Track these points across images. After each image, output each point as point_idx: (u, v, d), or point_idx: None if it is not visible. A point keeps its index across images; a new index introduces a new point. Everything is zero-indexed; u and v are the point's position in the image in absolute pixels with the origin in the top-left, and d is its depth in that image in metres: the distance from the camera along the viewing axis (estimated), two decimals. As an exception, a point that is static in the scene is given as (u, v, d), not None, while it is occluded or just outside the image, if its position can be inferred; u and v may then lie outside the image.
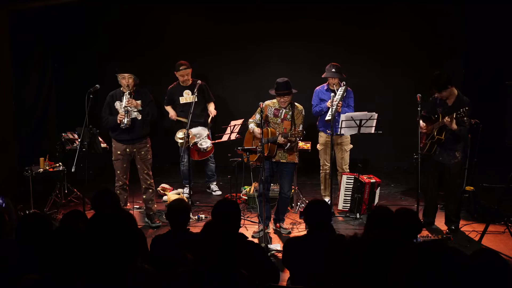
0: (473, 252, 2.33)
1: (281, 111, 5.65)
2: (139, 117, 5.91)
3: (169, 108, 7.35)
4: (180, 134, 6.92)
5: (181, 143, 6.80)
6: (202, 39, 8.72)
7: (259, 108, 5.57)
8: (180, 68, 7.06)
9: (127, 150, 5.98)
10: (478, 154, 6.83)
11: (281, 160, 5.66)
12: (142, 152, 6.04)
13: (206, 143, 6.81)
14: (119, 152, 5.98)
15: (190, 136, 6.77)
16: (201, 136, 6.89)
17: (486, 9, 8.08)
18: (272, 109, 5.69)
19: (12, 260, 3.03)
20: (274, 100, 5.70)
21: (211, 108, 7.28)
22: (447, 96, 5.60)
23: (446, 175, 5.75)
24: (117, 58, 8.68)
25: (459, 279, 2.00)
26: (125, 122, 5.82)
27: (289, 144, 5.53)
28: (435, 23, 8.52)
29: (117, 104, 5.93)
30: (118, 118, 5.83)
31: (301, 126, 5.63)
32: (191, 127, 6.84)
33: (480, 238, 5.45)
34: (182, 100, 7.15)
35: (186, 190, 7.06)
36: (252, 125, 5.77)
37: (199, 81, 6.87)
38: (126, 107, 5.83)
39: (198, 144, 6.80)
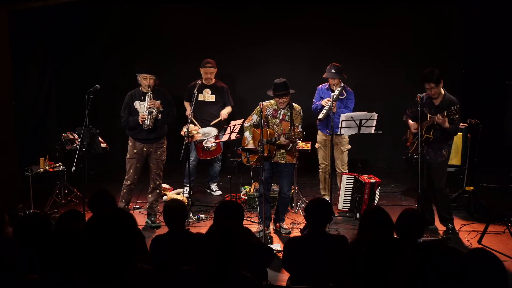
0: (467, 252, 2.32)
1: (279, 112, 5.65)
2: (159, 117, 5.91)
3: (187, 105, 7.32)
4: (185, 129, 6.87)
5: (186, 137, 6.77)
6: (202, 39, 8.72)
7: (258, 108, 5.57)
8: (206, 65, 7.10)
9: (144, 149, 5.98)
10: (478, 154, 6.83)
11: (280, 161, 5.66)
12: (158, 152, 6.05)
13: (211, 143, 6.80)
14: (135, 151, 5.97)
15: (196, 133, 6.76)
16: (209, 136, 6.89)
17: (486, 9, 8.09)
18: (271, 110, 5.68)
19: (12, 260, 3.03)
20: (272, 101, 5.70)
21: (224, 111, 7.24)
22: (438, 93, 5.58)
23: (432, 173, 5.71)
24: (117, 58, 8.70)
25: (457, 279, 2.01)
26: (148, 123, 5.81)
27: (291, 145, 5.52)
28: (435, 23, 8.52)
29: (137, 103, 5.91)
30: (140, 119, 5.81)
31: (300, 126, 5.63)
32: (205, 126, 6.92)
33: (480, 238, 5.45)
34: (200, 97, 7.14)
35: (186, 190, 7.06)
36: (247, 134, 5.78)
37: (199, 81, 6.87)
38: (149, 109, 5.82)
39: (203, 143, 6.80)
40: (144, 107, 5.87)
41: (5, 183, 6.05)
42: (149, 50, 8.81)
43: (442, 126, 5.43)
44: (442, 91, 5.59)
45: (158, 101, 5.89)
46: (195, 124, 6.99)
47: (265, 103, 5.72)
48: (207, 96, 7.17)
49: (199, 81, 6.86)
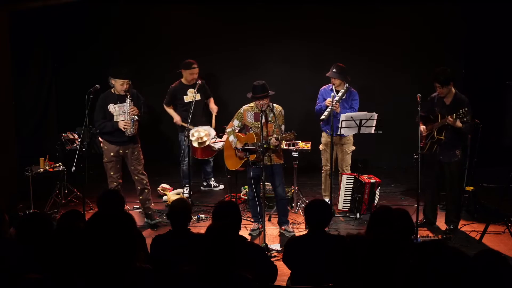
0: (476, 253, 2.32)
1: (261, 114, 5.61)
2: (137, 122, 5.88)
3: (171, 111, 7.27)
4: (197, 134, 6.82)
5: (199, 143, 6.73)
6: (202, 39, 8.72)
7: (239, 112, 5.60)
8: (192, 66, 7.10)
9: (120, 151, 5.91)
10: (478, 154, 6.83)
11: (267, 163, 5.64)
12: (135, 153, 5.98)
13: (220, 143, 6.78)
14: (112, 154, 5.88)
15: (204, 134, 6.74)
16: (211, 136, 6.88)
17: (486, 9, 8.08)
18: (252, 113, 5.67)
19: (12, 260, 3.03)
20: (252, 104, 5.69)
21: (212, 105, 7.34)
22: (446, 93, 5.59)
23: (447, 174, 5.75)
24: (117, 58, 8.69)
25: (461, 280, 2.00)
26: (132, 131, 5.77)
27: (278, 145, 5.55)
28: (435, 23, 8.52)
29: (111, 107, 5.80)
30: (123, 126, 5.73)
31: (283, 126, 5.61)
32: (196, 125, 6.87)
33: (480, 238, 5.46)
34: (187, 98, 7.13)
35: (186, 190, 7.06)
36: (231, 138, 5.77)
37: (199, 81, 6.87)
38: (132, 117, 5.76)
39: (212, 144, 6.76)
40: (123, 111, 5.76)
41: (5, 183, 6.05)
42: (149, 50, 8.82)
43: (454, 127, 5.43)
44: (453, 90, 5.61)
45: (136, 108, 5.82)
46: (185, 128, 7.02)
47: (245, 107, 5.73)
48: (192, 96, 7.07)
49: (199, 81, 6.85)
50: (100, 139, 6.82)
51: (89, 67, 8.65)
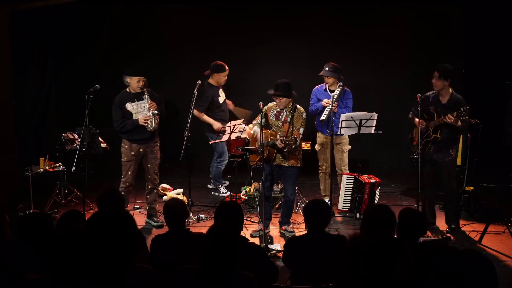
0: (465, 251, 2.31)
1: (282, 114, 5.62)
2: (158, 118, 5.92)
3: (207, 118, 7.12)
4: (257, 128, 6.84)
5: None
6: (202, 39, 8.72)
7: (264, 109, 5.58)
8: (226, 68, 7.19)
9: (141, 150, 5.95)
10: (478, 154, 6.83)
11: (282, 164, 5.63)
12: (154, 151, 6.03)
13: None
14: (133, 153, 5.92)
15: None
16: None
17: (486, 9, 8.09)
18: (274, 111, 5.66)
19: (12, 260, 3.04)
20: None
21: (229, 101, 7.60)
22: (441, 88, 5.57)
23: (442, 174, 5.73)
24: (117, 58, 8.69)
25: (456, 279, 2.00)
26: (154, 125, 5.81)
27: (286, 149, 5.48)
28: (435, 23, 8.53)
29: (129, 105, 5.85)
30: (143, 121, 5.77)
31: (301, 129, 5.58)
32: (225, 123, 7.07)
33: (480, 238, 5.46)
34: (221, 99, 7.24)
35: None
36: (256, 128, 5.78)
37: (199, 81, 6.87)
38: (152, 111, 5.79)
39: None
40: (141, 109, 5.82)
41: (5, 183, 6.05)
42: (149, 50, 8.81)
43: (454, 126, 5.40)
44: (450, 90, 5.59)
45: (155, 102, 5.88)
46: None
47: (270, 104, 5.72)
48: (223, 96, 7.29)
49: (199, 81, 6.86)
50: (100, 142, 6.84)
51: (89, 67, 8.66)
